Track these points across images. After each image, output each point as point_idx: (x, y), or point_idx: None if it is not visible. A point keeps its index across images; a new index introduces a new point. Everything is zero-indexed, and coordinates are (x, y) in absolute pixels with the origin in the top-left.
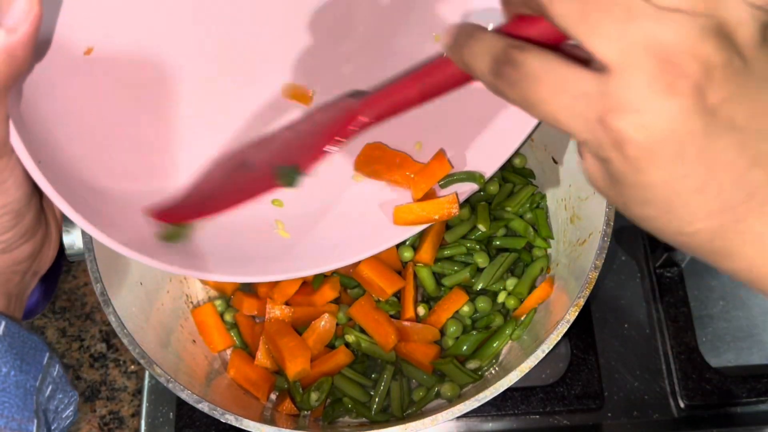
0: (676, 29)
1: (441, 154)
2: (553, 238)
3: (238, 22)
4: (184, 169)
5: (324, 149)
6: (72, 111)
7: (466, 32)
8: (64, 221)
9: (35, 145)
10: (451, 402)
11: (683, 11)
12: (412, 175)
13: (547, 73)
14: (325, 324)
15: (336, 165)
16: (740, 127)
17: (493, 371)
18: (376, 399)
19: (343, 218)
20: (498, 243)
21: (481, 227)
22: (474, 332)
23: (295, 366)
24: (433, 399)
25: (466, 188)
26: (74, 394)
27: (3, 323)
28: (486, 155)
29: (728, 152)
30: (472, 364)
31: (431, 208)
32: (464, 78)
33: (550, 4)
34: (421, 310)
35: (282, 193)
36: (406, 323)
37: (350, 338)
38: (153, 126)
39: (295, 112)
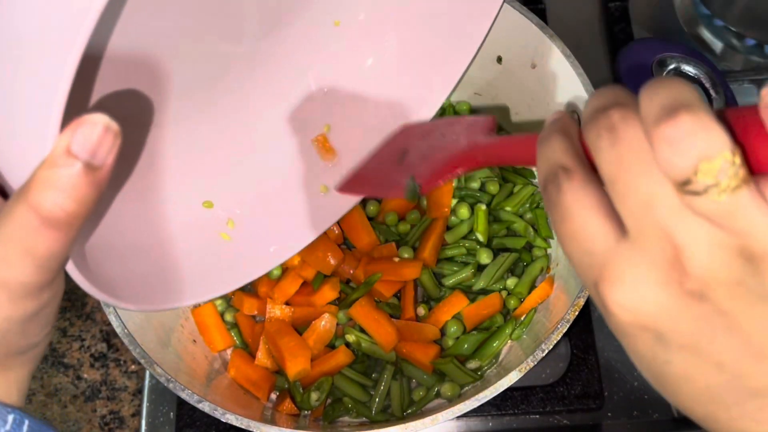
0: (698, 237)
1: None
2: (553, 238)
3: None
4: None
5: (445, 178)
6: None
7: (552, 127)
8: None
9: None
10: (451, 402)
11: (712, 221)
12: None
13: (572, 214)
14: (325, 324)
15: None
16: (739, 338)
17: (493, 371)
18: (377, 399)
19: (281, 206)
20: (498, 243)
21: (480, 237)
22: (474, 332)
23: (296, 366)
24: (434, 399)
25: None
26: None
27: (26, 422)
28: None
29: (722, 354)
30: (472, 364)
31: None
32: None
33: (597, 152)
34: (421, 311)
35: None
36: (406, 322)
37: (350, 338)
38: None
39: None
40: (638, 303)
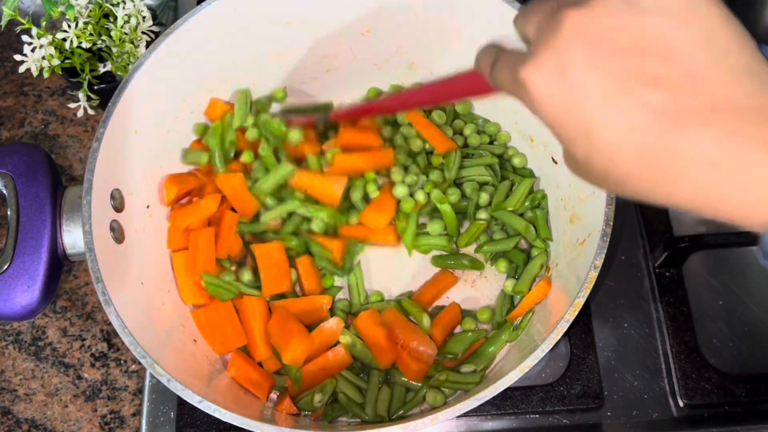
0: None
1: None
2: (551, 240)
3: None
4: None
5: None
6: None
7: (485, 47)
8: (65, 221)
9: None
10: (435, 408)
11: None
12: None
13: (504, 58)
14: (332, 326)
15: None
16: (629, 55)
17: (492, 371)
18: (369, 403)
19: None
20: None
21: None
22: (469, 333)
23: (294, 350)
24: (422, 403)
25: None
26: None
27: None
28: None
29: (620, 75)
30: (466, 368)
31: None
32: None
33: (514, 19)
34: (427, 322)
35: None
36: (410, 340)
37: (346, 339)
38: None
39: None
40: (552, 62)
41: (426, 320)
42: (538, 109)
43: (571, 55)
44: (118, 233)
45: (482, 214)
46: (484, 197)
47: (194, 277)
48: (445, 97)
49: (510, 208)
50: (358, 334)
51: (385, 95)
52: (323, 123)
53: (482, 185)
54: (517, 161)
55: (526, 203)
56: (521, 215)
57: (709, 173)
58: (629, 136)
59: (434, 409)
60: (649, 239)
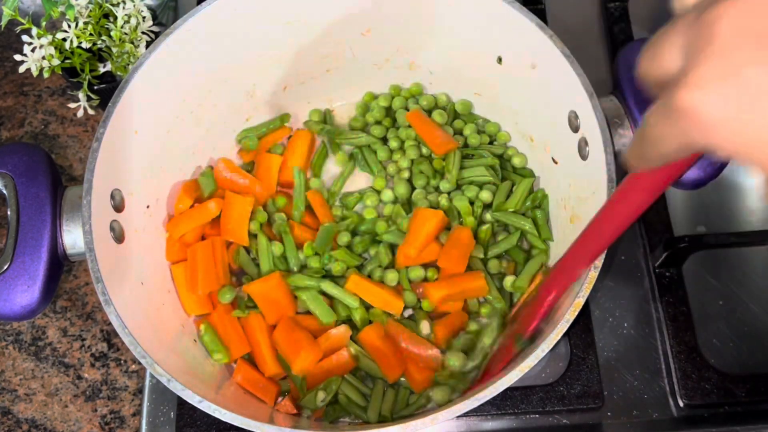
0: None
1: None
2: (552, 240)
3: None
4: None
5: (535, 325)
6: None
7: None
8: (65, 221)
9: None
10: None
11: None
12: None
13: (648, 121)
14: (338, 333)
15: None
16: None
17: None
18: (372, 408)
19: None
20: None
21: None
22: (464, 333)
23: (304, 359)
24: (425, 404)
25: None
26: None
27: None
28: None
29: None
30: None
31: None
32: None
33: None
34: (426, 328)
35: None
36: (412, 349)
37: (351, 351)
38: None
39: None
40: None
41: (425, 326)
42: (718, 141)
43: (742, 59)
44: (118, 233)
45: (487, 217)
46: (486, 197)
47: (196, 292)
48: (616, 227)
49: (511, 209)
50: (363, 349)
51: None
52: None
53: (482, 185)
54: (517, 161)
55: (527, 203)
56: (522, 215)
57: None
58: None
59: (434, 409)
60: (649, 239)
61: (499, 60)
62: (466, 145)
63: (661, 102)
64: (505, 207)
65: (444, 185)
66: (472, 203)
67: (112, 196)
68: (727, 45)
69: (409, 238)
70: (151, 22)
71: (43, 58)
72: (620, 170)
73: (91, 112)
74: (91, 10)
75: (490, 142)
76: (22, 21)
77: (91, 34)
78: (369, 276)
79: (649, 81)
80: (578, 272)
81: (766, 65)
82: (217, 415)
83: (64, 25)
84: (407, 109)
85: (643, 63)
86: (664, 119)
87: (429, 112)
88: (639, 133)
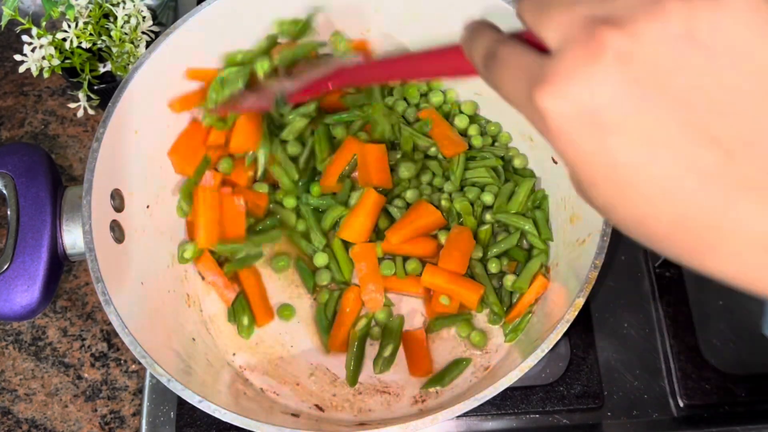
0: (611, 8)
1: None
2: (552, 240)
3: None
4: None
5: (312, 92)
6: None
7: (476, 27)
8: (65, 221)
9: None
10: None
11: None
12: None
13: (509, 58)
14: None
15: None
16: (683, 103)
17: (493, 370)
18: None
19: None
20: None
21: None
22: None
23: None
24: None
25: None
26: None
27: None
28: None
29: (669, 127)
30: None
31: None
32: (463, 70)
33: (518, 4)
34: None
35: None
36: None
37: (380, 315)
38: None
39: None
40: (574, 87)
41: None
42: (556, 144)
43: (611, 93)
44: (118, 233)
45: (487, 217)
46: (487, 199)
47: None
48: (421, 73)
49: (514, 211)
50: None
51: (347, 63)
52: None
53: (484, 187)
54: (518, 162)
55: (528, 203)
56: (523, 215)
57: (762, 256)
58: (671, 197)
59: (434, 409)
60: None
61: None
62: (469, 146)
63: (527, 67)
64: (508, 209)
65: (447, 186)
66: (472, 204)
67: (112, 196)
68: (606, 74)
69: (398, 224)
70: (151, 22)
71: (43, 58)
72: None
73: (91, 112)
74: (91, 10)
75: (492, 143)
76: (22, 21)
77: (91, 34)
78: None
79: (524, 23)
80: (357, 78)
81: (630, 108)
82: (217, 415)
83: (64, 25)
84: (418, 108)
85: (523, 8)
86: (517, 85)
87: (449, 115)
88: (493, 43)
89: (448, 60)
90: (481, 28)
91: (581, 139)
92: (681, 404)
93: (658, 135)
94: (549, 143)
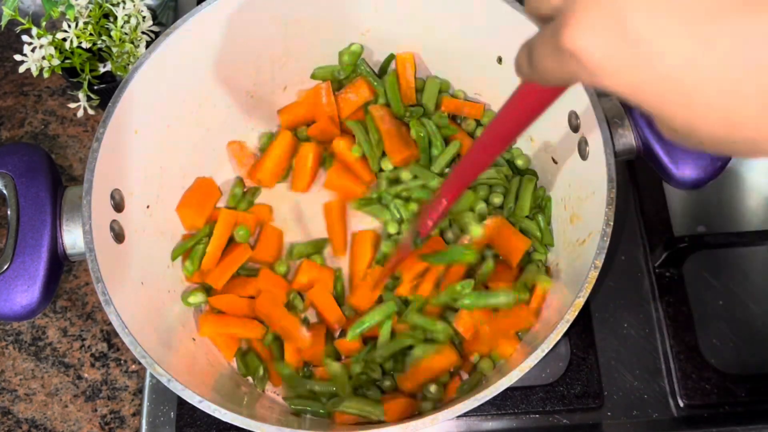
0: None
1: None
2: (553, 246)
3: None
4: None
5: (426, 227)
6: None
7: (517, 55)
8: (65, 221)
9: None
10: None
11: None
12: None
13: (536, 44)
14: None
15: None
16: None
17: (493, 370)
18: None
19: None
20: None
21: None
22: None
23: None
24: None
25: None
26: None
27: None
28: None
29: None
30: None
31: None
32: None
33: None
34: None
35: None
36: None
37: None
38: None
39: None
40: (604, 17)
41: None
42: (602, 80)
43: (624, 2)
44: (118, 233)
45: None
46: (497, 200)
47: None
48: (510, 131)
49: (525, 215)
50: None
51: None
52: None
53: (491, 187)
54: (520, 162)
55: (533, 203)
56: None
57: None
58: (745, 79)
59: (434, 409)
60: (649, 239)
61: (500, 60)
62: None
63: (547, 34)
64: (518, 212)
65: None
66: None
67: (112, 196)
68: None
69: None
70: (151, 22)
71: (43, 58)
72: (620, 169)
73: (91, 112)
74: (91, 10)
75: None
76: (22, 21)
77: (91, 34)
78: None
79: (535, 16)
80: (472, 178)
81: (646, 10)
82: (217, 415)
83: (64, 25)
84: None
85: (525, 4)
86: (552, 56)
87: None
88: (526, 55)
89: (522, 97)
90: (522, 46)
91: (620, 59)
92: (681, 404)
93: (697, 17)
94: (599, 88)
